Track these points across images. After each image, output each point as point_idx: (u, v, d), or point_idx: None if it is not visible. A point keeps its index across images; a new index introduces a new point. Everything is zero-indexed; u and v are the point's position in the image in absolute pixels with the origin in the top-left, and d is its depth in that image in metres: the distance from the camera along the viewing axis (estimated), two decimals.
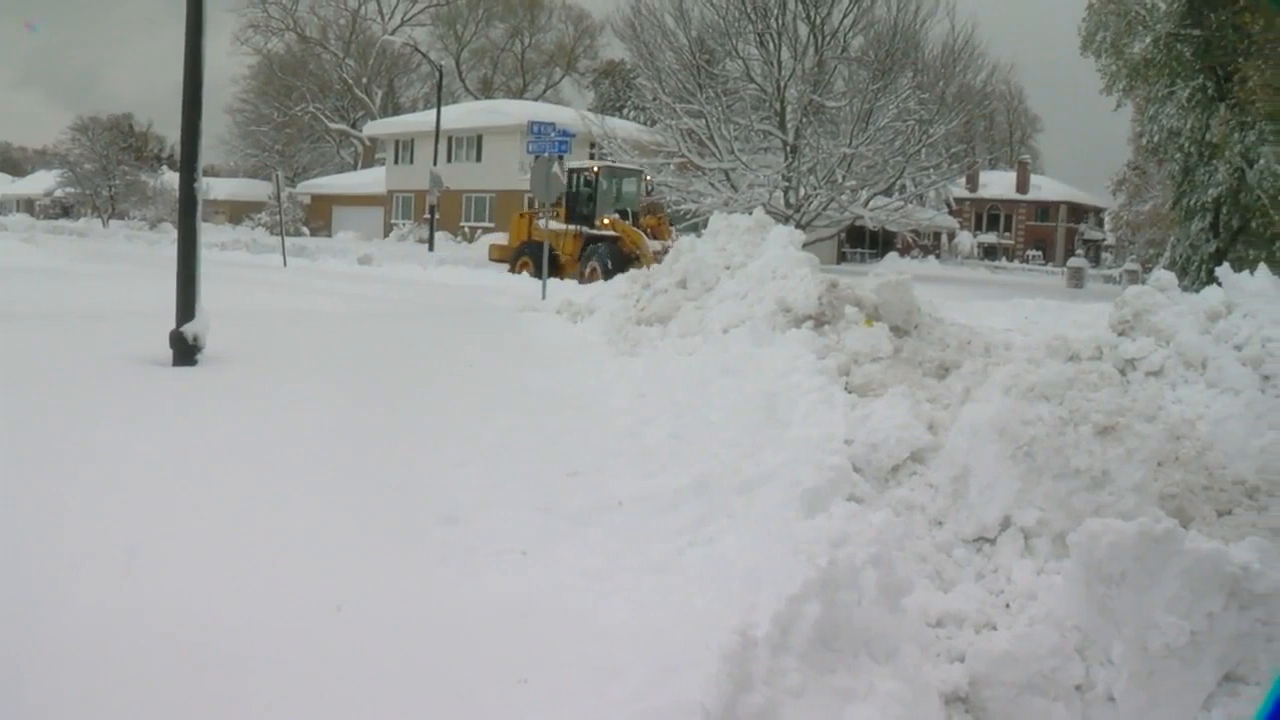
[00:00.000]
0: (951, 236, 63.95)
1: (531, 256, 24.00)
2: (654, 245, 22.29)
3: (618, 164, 28.96)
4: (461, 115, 48.72)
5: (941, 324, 8.97)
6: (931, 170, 36.91)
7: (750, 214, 11.24)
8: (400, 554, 4.73)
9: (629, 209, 25.24)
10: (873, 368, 7.65)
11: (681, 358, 8.82)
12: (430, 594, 4.34)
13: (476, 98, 69.12)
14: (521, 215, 26.39)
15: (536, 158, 18.81)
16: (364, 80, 73.91)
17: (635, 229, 23.45)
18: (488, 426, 6.91)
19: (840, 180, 33.61)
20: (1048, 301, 19.04)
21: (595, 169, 25.75)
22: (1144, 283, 10.12)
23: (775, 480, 5.63)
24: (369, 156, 68.21)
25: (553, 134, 19.71)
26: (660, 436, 6.62)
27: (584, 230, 24.42)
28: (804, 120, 34.32)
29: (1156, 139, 29.94)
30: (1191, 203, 29.05)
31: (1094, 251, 74.60)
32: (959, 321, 10.28)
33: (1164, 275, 10.10)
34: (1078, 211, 76.42)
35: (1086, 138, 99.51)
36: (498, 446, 6.48)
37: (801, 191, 33.93)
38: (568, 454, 6.35)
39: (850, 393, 7.32)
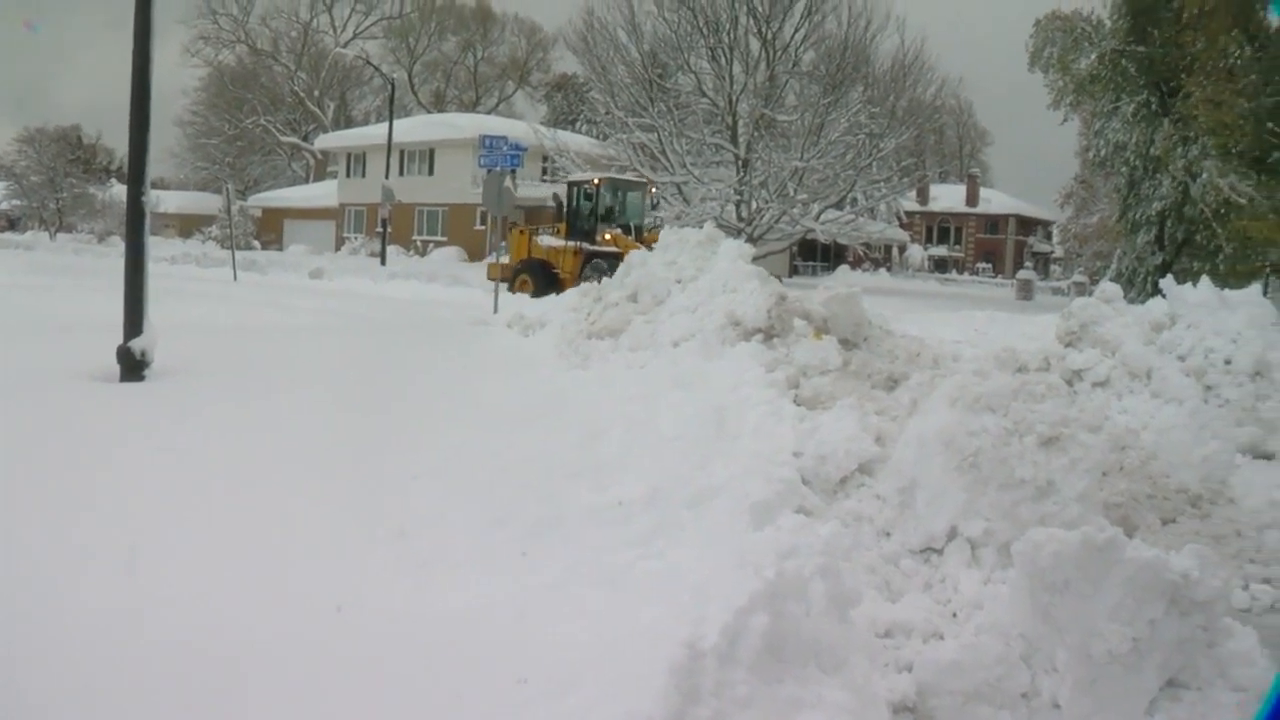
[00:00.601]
0: (902, 249, 64.62)
1: (531, 274, 23.11)
2: None
3: (620, 176, 27.80)
4: (414, 128, 48.53)
5: (891, 336, 9.09)
6: (882, 183, 37.32)
7: (702, 227, 11.31)
8: (351, 568, 4.69)
9: (633, 223, 24.23)
10: (821, 380, 7.72)
11: (632, 371, 8.85)
12: (380, 608, 4.31)
13: (429, 111, 68.92)
14: (521, 231, 25.21)
15: (489, 171, 18.78)
16: (316, 93, 73.40)
17: (634, 243, 21.79)
18: (439, 440, 6.88)
19: (792, 193, 33.88)
20: (997, 313, 19.33)
21: (596, 181, 24.40)
22: (1091, 295, 10.33)
23: (725, 493, 5.66)
24: (321, 170, 67.70)
25: (505, 148, 19.63)
26: (611, 449, 6.63)
27: (584, 246, 23.22)
28: (756, 134, 34.58)
29: (1103, 153, 30.55)
30: (1137, 216, 29.63)
31: (1043, 264, 75.72)
32: (909, 334, 10.42)
33: (1110, 287, 10.32)
34: (1026, 224, 77.50)
35: (1035, 152, 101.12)
36: (449, 460, 6.45)
37: (753, 205, 34.16)
38: (519, 467, 6.34)
39: (799, 405, 7.39)
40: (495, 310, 16.12)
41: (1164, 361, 8.89)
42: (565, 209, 23.80)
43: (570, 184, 24.55)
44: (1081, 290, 39.32)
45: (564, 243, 23.42)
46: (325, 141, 57.90)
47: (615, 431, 6.99)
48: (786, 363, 8.03)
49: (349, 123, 70.33)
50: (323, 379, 8.91)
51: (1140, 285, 28.18)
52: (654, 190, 26.66)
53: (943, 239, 76.44)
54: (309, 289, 23.14)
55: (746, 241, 16.62)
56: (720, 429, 6.74)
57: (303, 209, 55.86)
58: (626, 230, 23.67)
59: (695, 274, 10.34)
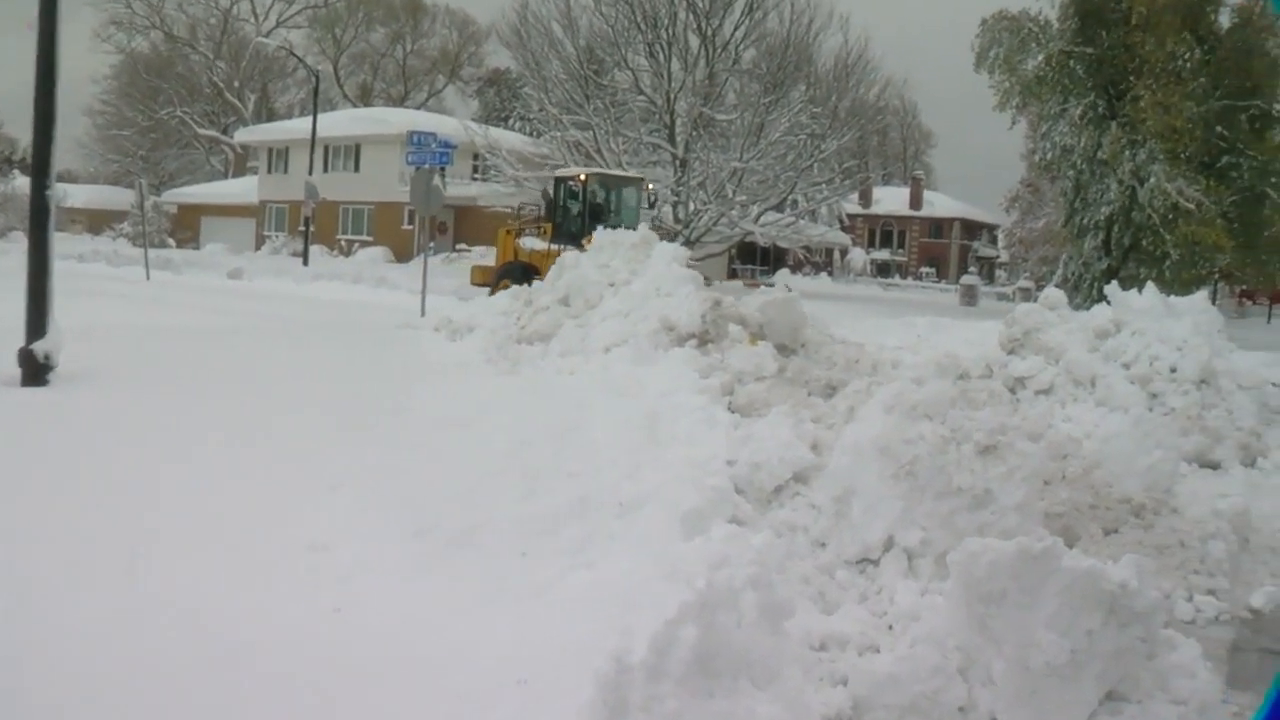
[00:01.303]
0: (844, 253, 65.41)
1: (514, 279, 21.54)
2: None
3: (611, 170, 26.87)
4: (339, 123, 48.00)
5: (829, 342, 9.18)
6: (824, 185, 37.71)
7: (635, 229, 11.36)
8: (264, 585, 4.63)
9: (626, 224, 21.39)
10: (756, 387, 7.78)
11: (563, 377, 8.86)
12: (297, 626, 4.26)
13: (355, 105, 68.18)
14: (508, 232, 23.59)
15: (417, 169, 18.65)
16: (236, 84, 72.21)
17: None
18: (361, 448, 6.83)
19: (730, 195, 34.10)
20: (940, 319, 19.62)
21: (582, 177, 22.95)
22: (1036, 301, 10.50)
23: (656, 501, 5.69)
24: (240, 165, 66.67)
25: (434, 145, 19.47)
26: (540, 457, 6.63)
27: (569, 250, 21.97)
28: (694, 133, 34.74)
29: (1049, 156, 30.84)
30: (1084, 220, 29.99)
31: (987, 269, 76.96)
32: (848, 340, 10.53)
33: (1054, 293, 10.50)
34: (971, 228, 78.69)
35: (980, 154, 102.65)
36: (372, 469, 6.40)
37: (691, 206, 34.31)
38: (445, 476, 6.31)
39: (733, 412, 7.45)
40: (422, 313, 16.01)
41: (1108, 369, 9.05)
42: (551, 208, 22.36)
43: (556, 179, 23.31)
44: (1026, 296, 39.95)
45: (548, 246, 21.71)
46: (246, 135, 57.04)
47: (544, 439, 6.99)
48: (721, 369, 8.08)
49: (271, 116, 69.34)
50: (238, 385, 8.78)
51: (1086, 291, 28.40)
52: (651, 187, 24.87)
53: (885, 243, 77.40)
54: (227, 289, 22.80)
55: (684, 244, 16.69)
56: (652, 436, 6.77)
57: (221, 205, 54.99)
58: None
59: (629, 277, 10.37)
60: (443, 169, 20.73)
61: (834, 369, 8.56)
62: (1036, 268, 53.70)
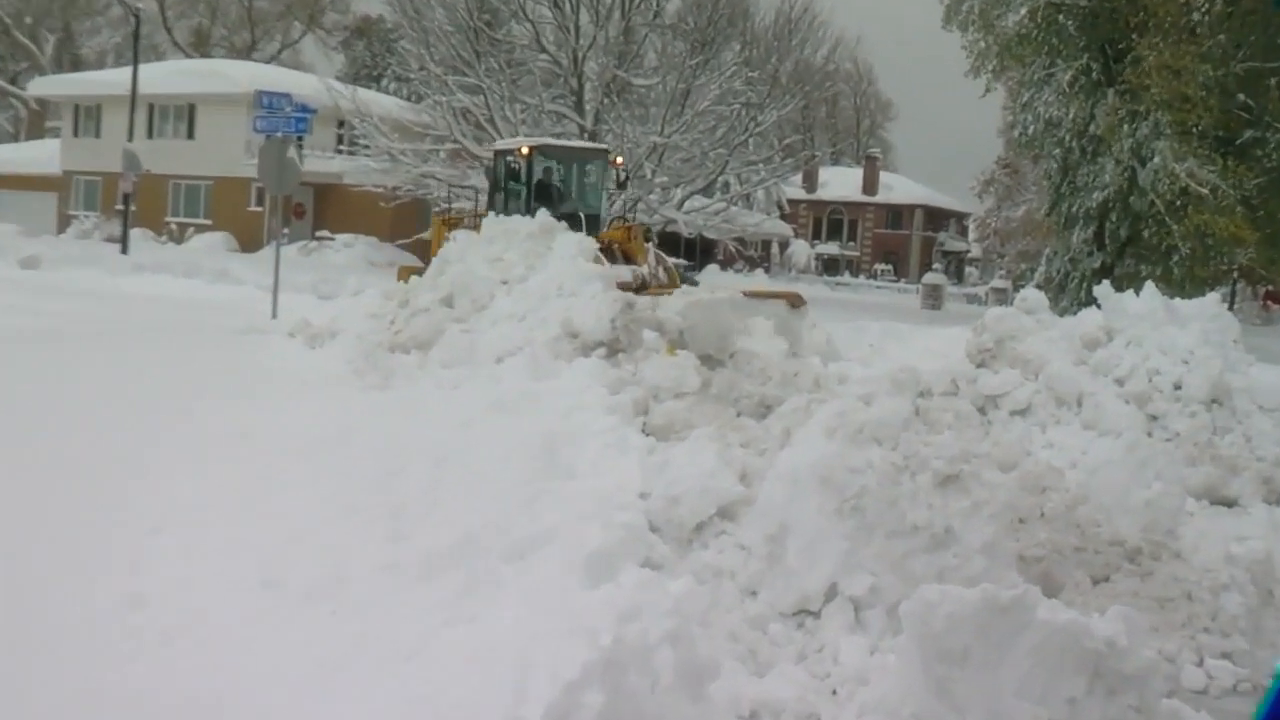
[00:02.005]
0: (784, 246, 66.05)
1: None
2: (622, 269, 17.94)
3: (565, 142, 25.89)
4: (168, 77, 47.02)
5: (763, 353, 9.29)
6: (760, 165, 38.09)
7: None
8: (72, 648, 4.58)
9: (588, 211, 21.37)
10: (675, 405, 7.88)
11: (444, 392, 8.88)
12: (108, 698, 4.23)
13: (188, 55, 67.02)
14: (445, 221, 21.82)
15: (267, 138, 18.45)
16: (28, 20, 70.24)
17: (604, 242, 18.68)
18: (193, 481, 6.77)
19: (649, 175, 34.24)
20: (897, 325, 19.85)
21: (525, 150, 21.56)
22: (1014, 303, 10.56)
23: (554, 542, 5.73)
24: (37, 124, 64.97)
25: (288, 108, 19.26)
26: (414, 489, 6.64)
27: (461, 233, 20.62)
28: (606, 101, 34.89)
29: (1031, 131, 30.54)
30: (1072, 208, 29.86)
31: (955, 265, 78.30)
32: (785, 350, 10.64)
33: (1033, 295, 10.50)
34: (936, 217, 79.88)
35: (948, 129, 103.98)
36: (206, 507, 6.35)
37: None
38: (298, 514, 6.28)
39: (648, 435, 7.54)
40: (274, 315, 15.84)
41: (1098, 385, 9.06)
42: (490, 190, 21.70)
43: (496, 154, 22.50)
44: (1002, 298, 40.50)
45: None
46: (43, 87, 55.52)
47: (420, 467, 6.99)
48: (633, 383, 8.16)
49: (77, 64, 67.76)
50: (34, 405, 8.63)
51: (1074, 292, 28.51)
52: (620, 162, 23.04)
53: (834, 234, 78.24)
54: (18, 282, 22.16)
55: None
56: (551, 463, 6.82)
57: (12, 176, 53.40)
58: (576, 221, 19.59)
59: (525, 273, 10.42)
60: (300, 138, 20.50)
61: (768, 384, 8.66)
62: (1014, 265, 54.59)
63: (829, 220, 78.50)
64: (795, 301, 16.92)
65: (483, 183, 32.85)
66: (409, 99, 41.67)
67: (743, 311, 15.46)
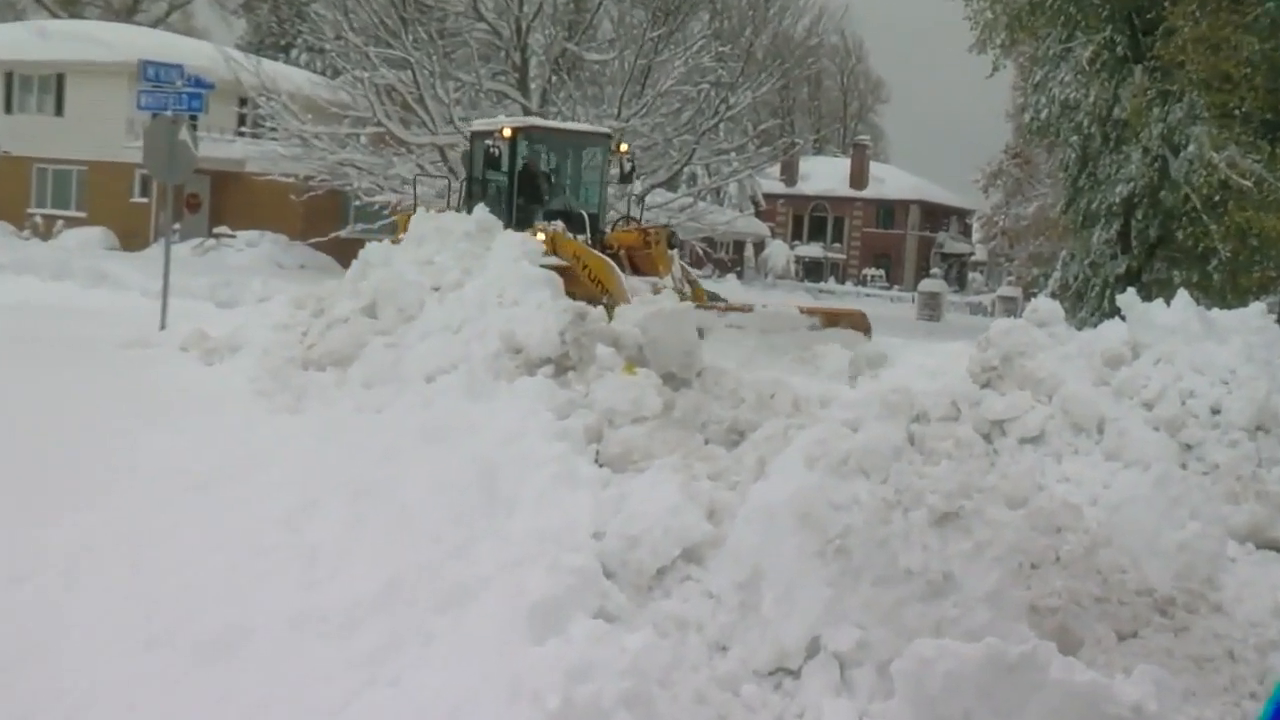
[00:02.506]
0: (760, 248, 66.34)
1: None
2: (636, 282, 17.16)
3: (557, 124, 25.29)
4: (30, 41, 46.56)
5: (735, 371, 9.34)
6: (732, 154, 38.22)
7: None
8: None
9: (586, 208, 20.67)
10: (634, 431, 7.91)
11: (367, 416, 8.89)
12: None
13: (55, 15, 66.42)
14: (407, 216, 20.89)
15: (153, 117, 18.35)
16: None
17: (592, 250, 18.27)
18: (61, 523, 6.75)
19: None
20: (889, 339, 19.98)
21: (509, 132, 20.53)
22: (1024, 314, 10.57)
23: (493, 589, 5.74)
24: None
25: (178, 81, 19.06)
26: (330, 529, 6.65)
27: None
28: (554, 79, 34.94)
29: (1046, 115, 30.13)
30: (1093, 204, 29.59)
31: (957, 270, 78.73)
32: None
33: (1047, 304, 10.46)
34: (935, 215, 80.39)
35: (949, 113, 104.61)
36: (81, 552, 6.33)
37: None
38: (192, 559, 6.27)
39: (602, 465, 7.55)
40: (163, 326, 15.76)
41: (1122, 409, 9.03)
42: (465, 181, 21.18)
43: (472, 136, 21.80)
44: (1010, 308, 40.68)
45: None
46: None
47: (337, 503, 7.00)
48: (585, 406, 8.18)
49: None
50: None
51: (1094, 302, 28.44)
52: (624, 149, 22.36)
53: (817, 233, 78.64)
54: None
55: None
56: (489, 499, 6.82)
57: None
58: (571, 219, 19.56)
59: (460, 279, 10.44)
60: (194, 118, 20.28)
61: (740, 407, 8.70)
62: (1024, 269, 54.77)
63: (811, 218, 78.91)
64: (862, 324, 16.80)
65: (410, 173, 32.94)
66: (323, 73, 41.58)
67: (805, 339, 15.35)
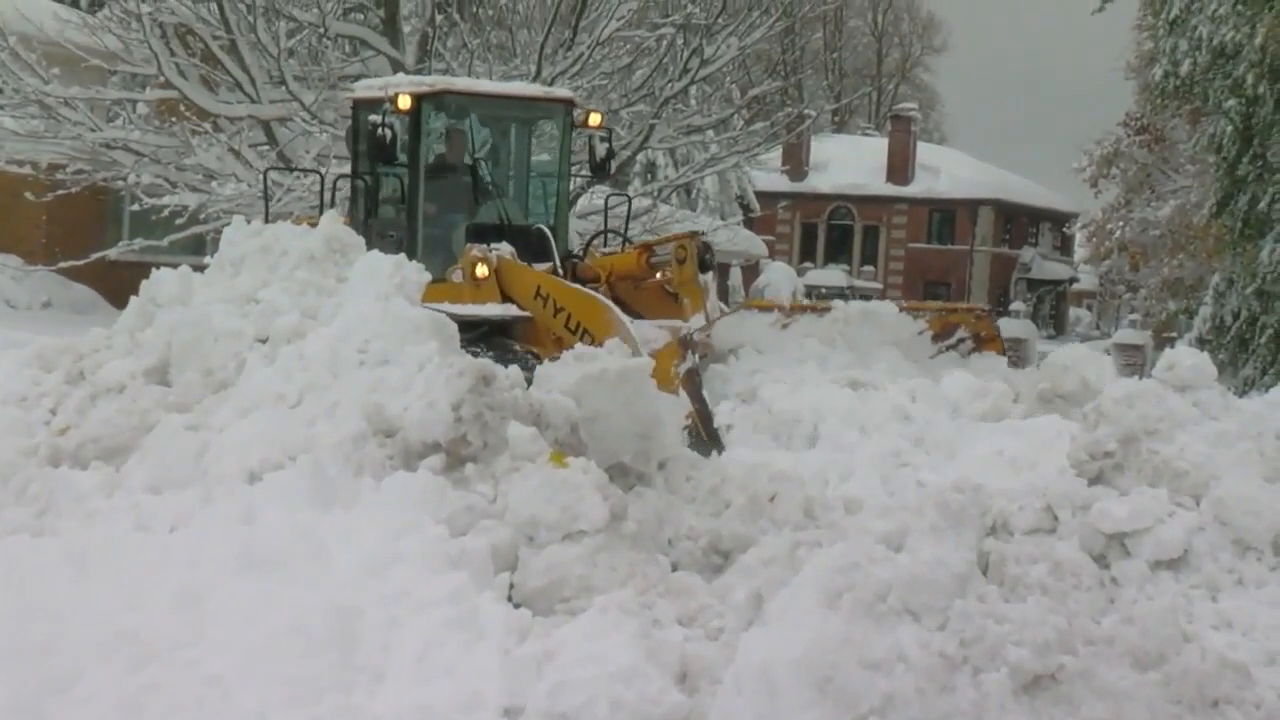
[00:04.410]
0: (753, 272, 66.57)
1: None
2: (647, 328, 16.58)
3: (492, 84, 25.27)
4: None
5: (713, 460, 9.37)
6: (710, 134, 38.40)
7: (318, 219, 11.43)
8: None
9: (544, 221, 20.53)
10: (566, 554, 7.93)
11: (151, 537, 8.82)
12: None
13: None
14: (299, 219, 19.19)
15: None
16: None
17: (566, 283, 18.00)
18: None
19: None
20: (950, 403, 20.08)
21: (406, 100, 18.98)
22: (1155, 372, 10.59)
23: None
24: None
25: None
26: (93, 710, 6.61)
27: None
28: (441, 20, 35.06)
29: (1187, 67, 30.53)
30: (1261, 202, 29.75)
31: (1052, 305, 79.20)
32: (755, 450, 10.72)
33: (1190, 356, 10.51)
34: (1018, 222, 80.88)
35: (1038, 68, 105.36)
36: None
37: None
38: None
39: (518, 606, 7.57)
40: None
41: None
42: (351, 175, 20.46)
43: (355, 107, 20.56)
44: (1134, 361, 40.72)
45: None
46: None
47: (102, 677, 6.96)
48: (493, 516, 8.20)
49: None
50: None
51: (1265, 353, 28.86)
52: (597, 122, 21.06)
53: (838, 251, 79.05)
54: None
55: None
56: (344, 661, 6.82)
57: None
58: (516, 237, 19.07)
59: (301, 325, 10.44)
60: None
61: (724, 514, 8.74)
62: (1155, 302, 55.11)
63: (829, 227, 79.37)
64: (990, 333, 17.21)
65: (216, 162, 32.82)
66: (89, 9, 41.58)
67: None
